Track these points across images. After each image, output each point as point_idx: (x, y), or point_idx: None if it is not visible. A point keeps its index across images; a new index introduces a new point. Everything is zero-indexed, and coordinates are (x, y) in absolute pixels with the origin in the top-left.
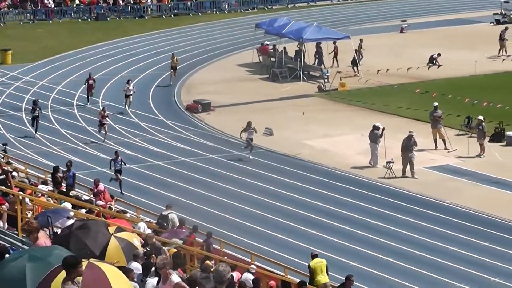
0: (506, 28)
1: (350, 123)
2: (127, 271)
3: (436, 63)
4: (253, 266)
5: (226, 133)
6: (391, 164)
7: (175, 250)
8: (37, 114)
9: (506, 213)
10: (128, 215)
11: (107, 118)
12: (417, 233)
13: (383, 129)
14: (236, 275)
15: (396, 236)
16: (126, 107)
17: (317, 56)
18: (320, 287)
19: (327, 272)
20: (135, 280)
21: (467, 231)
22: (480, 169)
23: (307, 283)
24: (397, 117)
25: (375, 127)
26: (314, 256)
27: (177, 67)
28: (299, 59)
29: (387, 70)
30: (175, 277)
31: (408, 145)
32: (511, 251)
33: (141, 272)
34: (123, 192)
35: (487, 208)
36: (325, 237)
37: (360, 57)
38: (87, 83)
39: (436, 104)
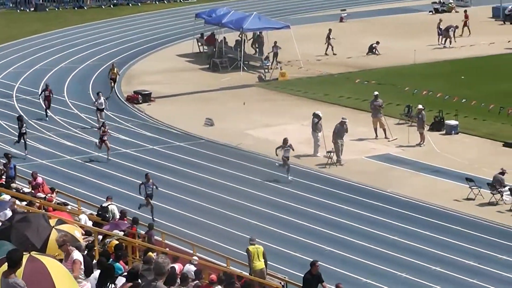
0: (457, 27)
1: (291, 112)
2: None
3: (376, 52)
4: (195, 257)
5: (166, 123)
6: (331, 153)
7: (117, 242)
8: (24, 131)
9: (446, 201)
10: (69, 207)
11: (107, 134)
12: (357, 222)
13: (320, 118)
14: (178, 266)
15: (336, 225)
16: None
17: (257, 45)
18: (257, 272)
19: (265, 259)
20: None
21: (407, 219)
22: (420, 158)
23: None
24: (338, 106)
25: (315, 115)
26: (251, 244)
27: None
28: (239, 49)
29: (327, 58)
30: (75, 254)
31: (341, 132)
32: (451, 239)
33: None
34: (154, 218)
35: (427, 196)
36: (266, 227)
37: (330, 46)
38: (43, 95)
39: (376, 93)
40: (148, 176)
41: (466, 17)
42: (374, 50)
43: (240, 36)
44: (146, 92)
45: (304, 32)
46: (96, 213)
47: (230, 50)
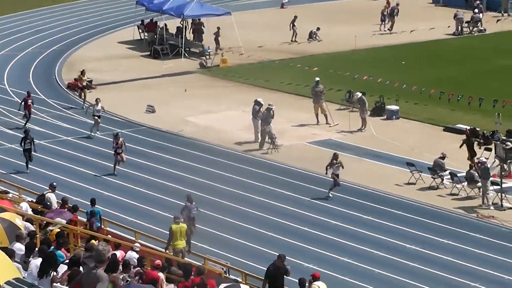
0: (397, 4)
1: (233, 99)
2: (10, 253)
3: (316, 37)
4: (137, 244)
5: (107, 111)
6: (273, 139)
7: (58, 230)
8: (29, 147)
9: (387, 186)
10: (10, 195)
11: (122, 147)
12: (301, 209)
13: (262, 105)
14: (120, 253)
15: (279, 211)
16: (93, 131)
17: (196, 32)
18: (177, 250)
19: (188, 237)
20: (18, 261)
21: (349, 205)
22: (362, 143)
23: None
24: (279, 92)
25: (256, 103)
26: (176, 222)
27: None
28: (180, 36)
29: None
30: None
31: (268, 118)
32: (393, 224)
33: (24, 253)
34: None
35: (369, 182)
36: (209, 214)
37: (294, 33)
38: (24, 102)
39: (317, 79)
40: (190, 198)
41: (388, 3)
42: (314, 36)
43: (181, 23)
44: (87, 79)
45: (245, 18)
46: (35, 201)
47: (171, 37)
